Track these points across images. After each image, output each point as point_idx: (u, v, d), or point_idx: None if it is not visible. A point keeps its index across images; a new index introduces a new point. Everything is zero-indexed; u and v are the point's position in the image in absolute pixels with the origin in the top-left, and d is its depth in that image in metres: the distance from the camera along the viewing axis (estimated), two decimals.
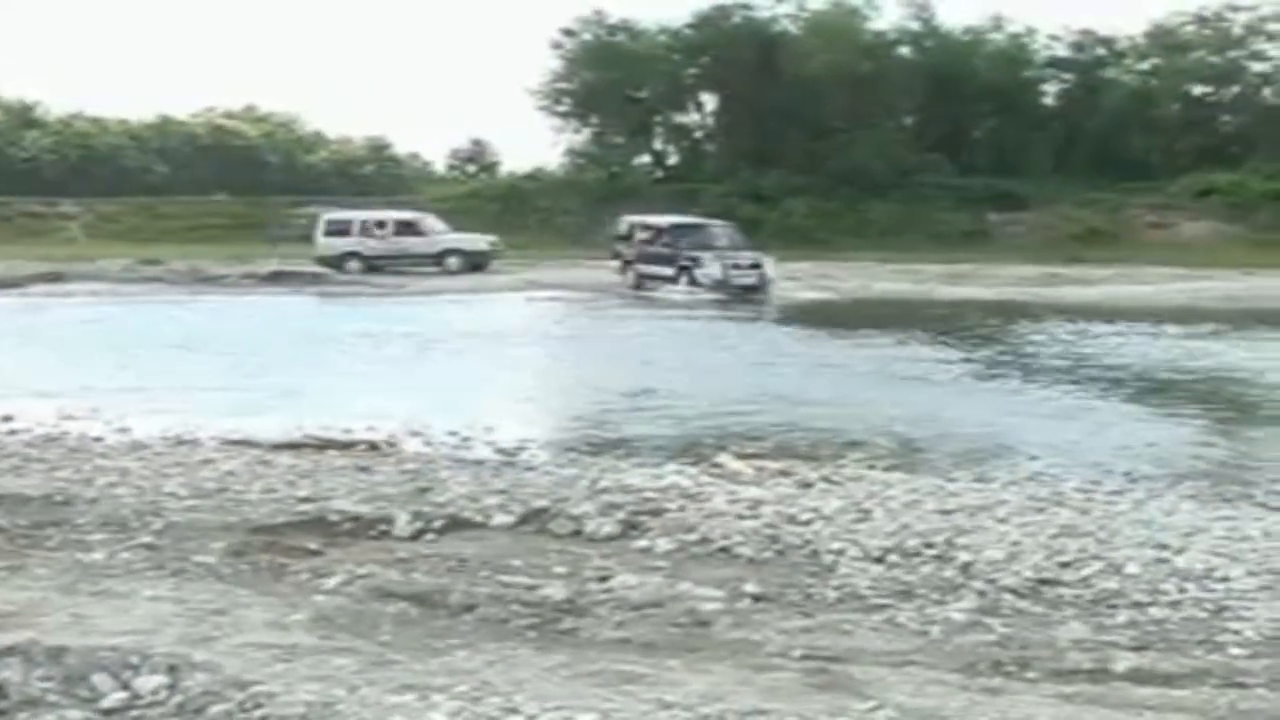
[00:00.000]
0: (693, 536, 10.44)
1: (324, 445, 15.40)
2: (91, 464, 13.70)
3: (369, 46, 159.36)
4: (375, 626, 8.15)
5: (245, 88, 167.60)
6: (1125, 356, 29.30)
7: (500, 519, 11.09)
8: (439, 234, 57.98)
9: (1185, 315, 38.71)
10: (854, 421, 18.58)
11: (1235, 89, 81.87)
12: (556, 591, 8.91)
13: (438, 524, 10.90)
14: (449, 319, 35.87)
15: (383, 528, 10.82)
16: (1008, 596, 9.05)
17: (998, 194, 72.07)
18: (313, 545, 10.22)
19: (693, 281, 46.16)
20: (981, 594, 9.07)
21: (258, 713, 6.54)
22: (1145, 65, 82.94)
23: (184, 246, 61.70)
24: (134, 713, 6.67)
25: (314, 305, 42.59)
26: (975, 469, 14.70)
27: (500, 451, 15.37)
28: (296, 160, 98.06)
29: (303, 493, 12.06)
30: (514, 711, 6.65)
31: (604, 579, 9.26)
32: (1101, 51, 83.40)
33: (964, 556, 9.87)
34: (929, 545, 10.14)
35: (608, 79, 79.81)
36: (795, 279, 47.99)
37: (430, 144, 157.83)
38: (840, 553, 9.96)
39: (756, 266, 46.82)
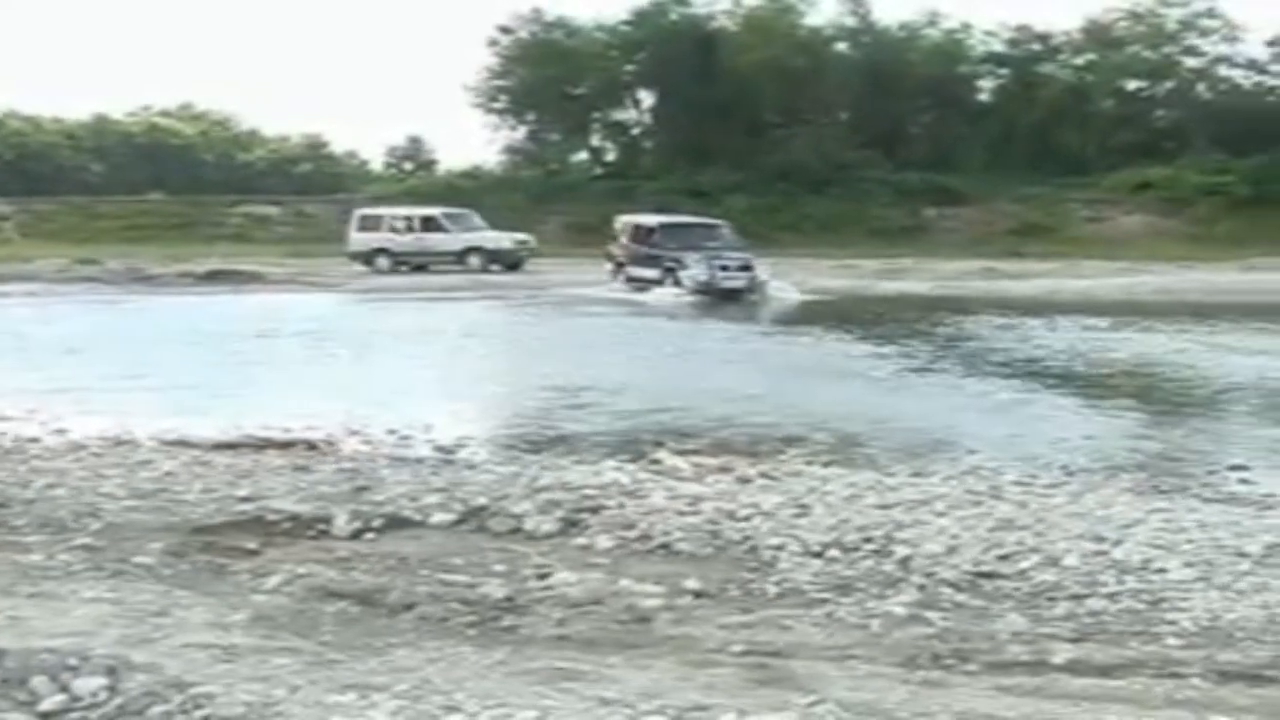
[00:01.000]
0: (632, 533, 10.44)
1: (263, 445, 15.34)
2: (28, 465, 13.60)
3: (305, 44, 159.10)
4: (315, 626, 8.13)
5: (181, 86, 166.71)
6: (1062, 350, 29.47)
7: (440, 517, 11.07)
8: (464, 231, 56.95)
9: (1122, 309, 39.00)
10: (793, 417, 18.63)
11: (1170, 84, 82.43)
12: (496, 589, 8.90)
13: (377, 523, 10.87)
14: (389, 317, 35.79)
15: (322, 527, 10.78)
16: (947, 590, 9.09)
17: (935, 189, 72.41)
18: (252, 545, 10.18)
19: (678, 284, 44.43)
20: (921, 587, 9.10)
21: (198, 713, 6.51)
22: (1081, 61, 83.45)
23: (121, 246, 61.38)
24: (73, 715, 6.62)
25: (253, 304, 42.38)
26: (914, 463, 14.75)
27: (439, 449, 15.34)
28: (233, 159, 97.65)
29: (242, 492, 12.00)
30: (454, 709, 6.64)
31: (544, 576, 9.26)
32: (1037, 47, 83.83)
33: (903, 550, 9.90)
34: (868, 540, 10.17)
35: (545, 76, 79.85)
36: None
37: (368, 142, 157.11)
38: (780, 548, 9.98)
39: (746, 269, 44.98)
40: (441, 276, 51.98)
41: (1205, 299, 43.76)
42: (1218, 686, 7.39)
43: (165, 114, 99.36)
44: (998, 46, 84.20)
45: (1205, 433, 19.76)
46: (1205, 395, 23.72)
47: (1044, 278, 51.24)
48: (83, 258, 55.72)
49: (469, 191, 75.92)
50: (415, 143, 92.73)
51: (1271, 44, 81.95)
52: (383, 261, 55.38)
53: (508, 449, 15.67)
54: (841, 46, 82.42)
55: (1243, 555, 10.06)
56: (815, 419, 18.28)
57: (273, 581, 9.11)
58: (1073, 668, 7.61)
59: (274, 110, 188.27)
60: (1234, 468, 15.68)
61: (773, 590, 9.05)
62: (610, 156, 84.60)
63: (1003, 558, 9.78)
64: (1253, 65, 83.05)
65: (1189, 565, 9.74)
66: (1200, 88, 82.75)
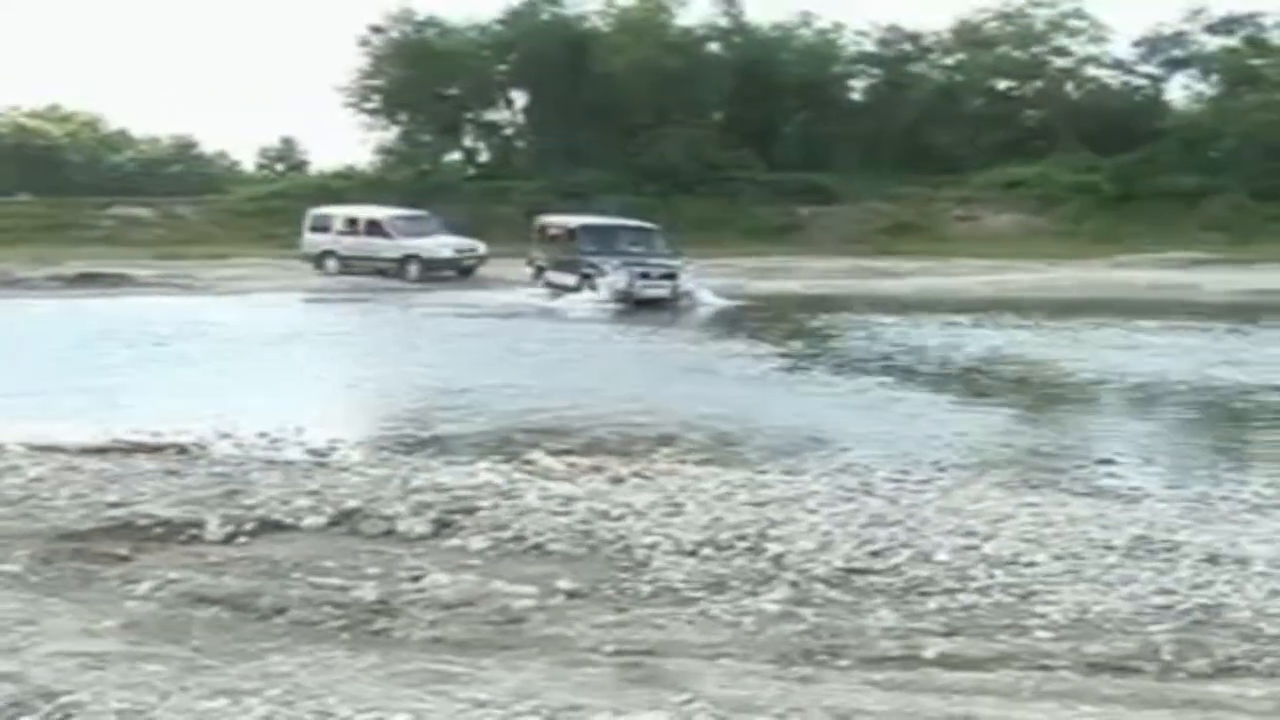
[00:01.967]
0: (506, 534, 10.43)
1: (133, 449, 15.17)
2: None
3: (174, 44, 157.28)
4: (187, 632, 8.06)
5: (48, 87, 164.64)
6: (933, 348, 29.70)
7: (312, 520, 11.00)
8: (406, 236, 52.13)
9: (991, 306, 39.35)
10: (666, 416, 18.67)
11: (1039, 84, 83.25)
12: (369, 592, 8.86)
13: (249, 527, 10.77)
14: (263, 319, 35.48)
15: (193, 531, 10.67)
16: (819, 586, 9.13)
17: (807, 188, 72.72)
18: (122, 551, 10.06)
19: (594, 291, 41.86)
20: (794, 584, 9.14)
21: None
22: (951, 61, 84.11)
23: None
24: None
25: (122, 306, 41.86)
26: (787, 461, 14.84)
27: (311, 452, 15.24)
28: (102, 160, 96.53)
29: (111, 498, 11.84)
30: (327, 714, 6.62)
31: (417, 578, 9.22)
32: (908, 47, 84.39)
33: (776, 548, 9.94)
34: (741, 537, 10.21)
35: (416, 76, 79.42)
36: None
37: (239, 142, 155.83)
38: (653, 547, 10.00)
39: (670, 277, 42.36)
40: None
41: (1074, 296, 44.32)
42: (1086, 678, 7.49)
43: (32, 115, 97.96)
44: (869, 47, 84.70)
45: (1074, 428, 20.03)
46: (1074, 391, 24.02)
47: (916, 276, 51.64)
48: None
49: (340, 192, 75.49)
50: (287, 143, 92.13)
51: (1137, 44, 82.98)
52: (331, 264, 52.64)
53: (381, 451, 15.59)
54: (714, 47, 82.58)
55: (1110, 548, 10.20)
56: (688, 418, 18.33)
57: (143, 587, 9.02)
58: (944, 661, 7.68)
59: (143, 111, 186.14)
60: (1102, 462, 15.89)
61: (646, 589, 9.06)
62: (483, 157, 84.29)
63: (875, 554, 9.84)
64: (1119, 65, 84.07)
65: (1058, 559, 9.86)
66: (1068, 87, 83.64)
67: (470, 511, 11.10)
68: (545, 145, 78.84)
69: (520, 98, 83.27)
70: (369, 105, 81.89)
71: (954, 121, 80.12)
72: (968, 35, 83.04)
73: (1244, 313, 39.29)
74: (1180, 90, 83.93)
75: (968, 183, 74.35)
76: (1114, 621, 8.46)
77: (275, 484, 12.46)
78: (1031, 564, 9.69)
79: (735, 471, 13.52)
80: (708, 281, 43.55)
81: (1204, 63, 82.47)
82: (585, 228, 45.42)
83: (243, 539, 10.54)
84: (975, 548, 10.07)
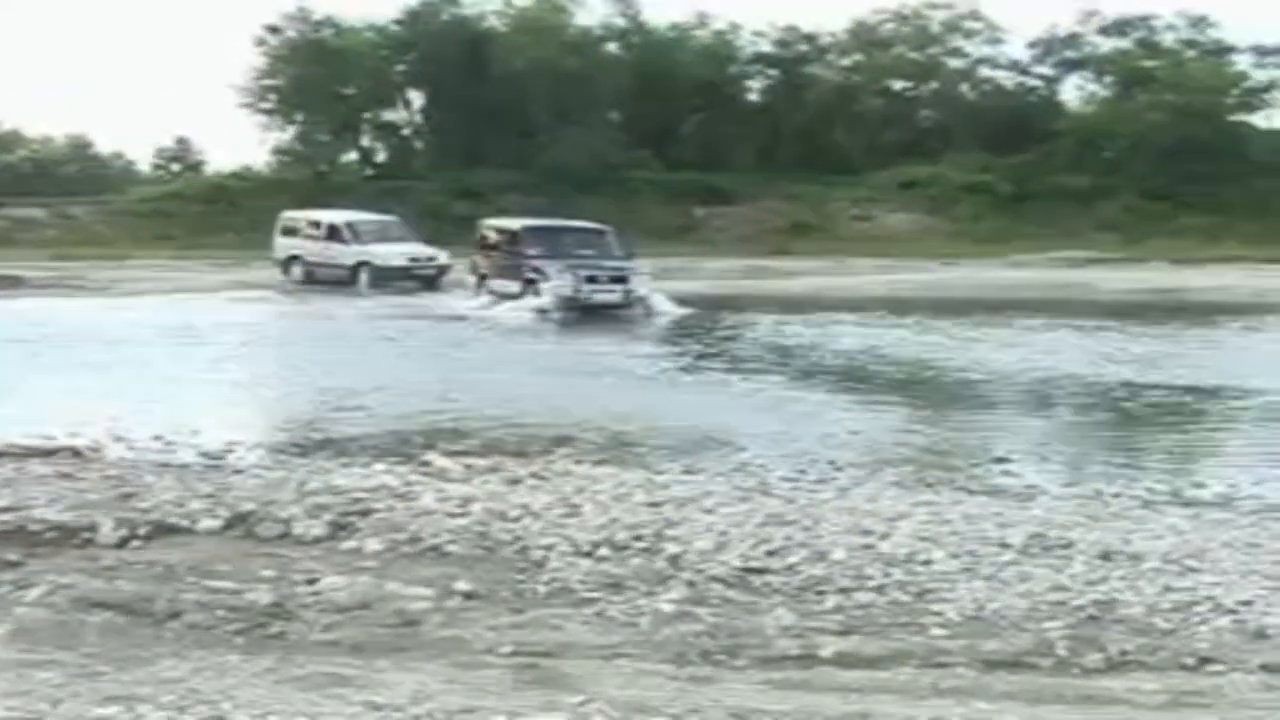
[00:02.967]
0: (402, 536, 10.38)
1: (25, 453, 14.99)
2: None
3: (69, 42, 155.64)
4: (79, 637, 7.97)
5: None
6: (829, 347, 29.84)
7: (207, 524, 10.90)
8: (362, 243, 48.62)
9: (886, 306, 39.57)
10: (563, 417, 18.64)
11: (934, 84, 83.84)
12: (263, 596, 8.79)
13: (143, 530, 10.67)
14: (160, 321, 35.14)
15: (86, 536, 10.55)
16: (716, 586, 9.15)
17: (705, 189, 72.90)
18: (13, 556, 9.92)
19: (538, 297, 38.79)
20: (690, 584, 9.15)
21: None
22: (848, 61, 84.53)
23: None
24: None
25: (15, 309, 41.35)
26: (683, 461, 14.85)
27: (206, 455, 15.11)
28: None
29: (3, 502, 11.68)
30: (222, 719, 6.56)
31: (312, 581, 9.16)
32: (805, 48, 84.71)
33: (673, 548, 9.95)
34: (638, 538, 10.21)
35: (313, 76, 78.97)
36: None
37: (134, 142, 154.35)
38: (550, 548, 9.98)
39: (620, 280, 39.15)
40: (208, 275, 50.58)
41: (969, 295, 44.59)
42: (982, 674, 7.54)
43: None
44: (766, 47, 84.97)
45: (970, 426, 20.15)
46: (969, 389, 24.18)
47: (812, 276, 51.83)
48: None
49: (237, 193, 74.99)
50: (183, 143, 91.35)
51: (1032, 45, 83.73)
52: (296, 271, 49.60)
53: (276, 453, 15.50)
54: (612, 47, 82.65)
55: (1005, 546, 10.27)
56: (586, 419, 18.32)
57: (35, 593, 8.90)
58: (841, 660, 7.71)
59: (36, 110, 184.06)
60: (997, 460, 16.00)
61: (543, 590, 9.05)
62: (381, 157, 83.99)
63: (771, 553, 9.87)
64: (1014, 66, 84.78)
65: (954, 557, 9.92)
66: (964, 88, 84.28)
67: (366, 514, 11.05)
68: (443, 145, 78.70)
69: (418, 98, 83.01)
70: (266, 105, 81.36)
71: (850, 122, 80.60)
72: (864, 36, 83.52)
73: (1135, 312, 39.74)
74: (1074, 91, 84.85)
75: (864, 183, 74.78)
76: (1009, 618, 8.52)
77: (170, 487, 12.34)
78: (928, 562, 9.74)
79: (632, 472, 13.53)
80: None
81: (1097, 64, 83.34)
82: (530, 230, 42.14)
83: (137, 543, 10.43)
84: (871, 546, 10.11)
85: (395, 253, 48.29)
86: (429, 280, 47.62)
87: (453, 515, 10.99)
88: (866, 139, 79.92)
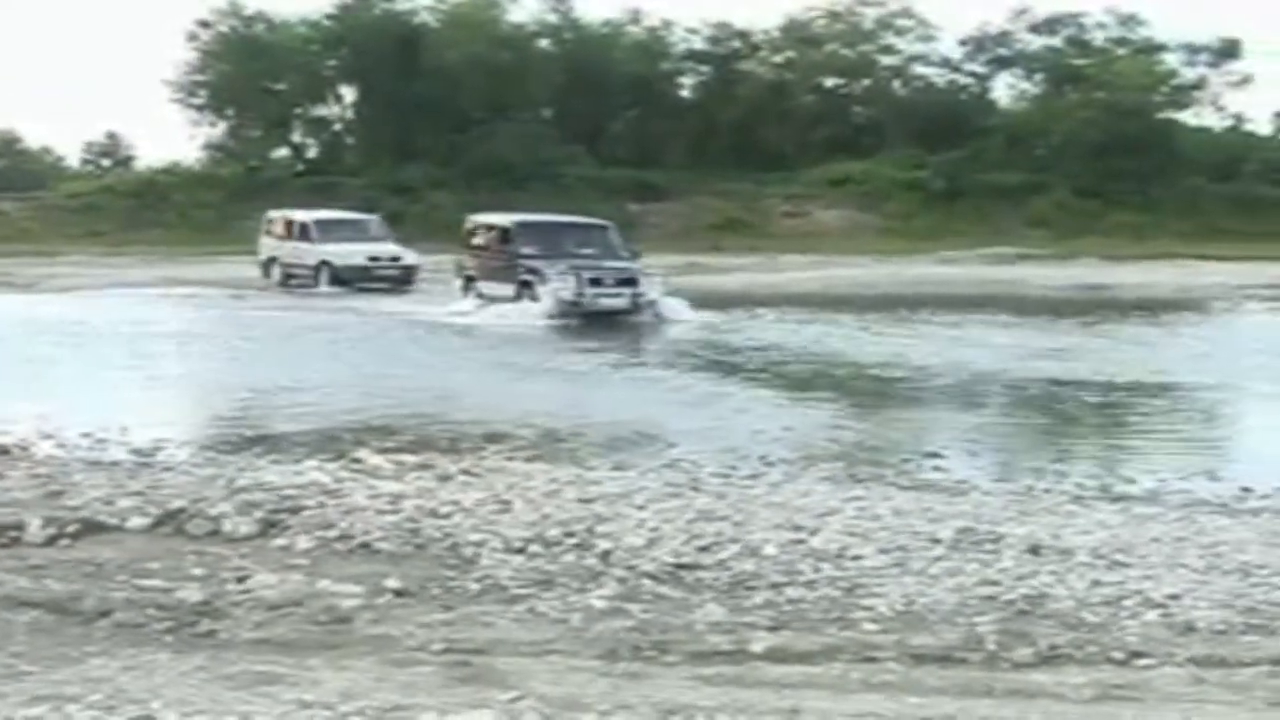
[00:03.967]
0: (332, 533, 10.34)
1: None
2: None
3: None
4: (6, 636, 7.90)
5: None
6: (761, 343, 29.89)
7: (136, 521, 10.82)
8: (327, 243, 46.47)
9: (818, 302, 39.68)
10: (495, 413, 18.62)
11: (867, 81, 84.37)
12: (193, 593, 8.74)
13: (72, 528, 10.57)
14: (90, 318, 34.90)
15: (14, 534, 10.44)
16: (647, 582, 9.15)
17: (637, 185, 73.04)
18: None
19: (535, 302, 35.01)
20: (622, 580, 9.15)
21: None
22: (780, 58, 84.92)
23: None
24: None
25: None
26: (614, 457, 14.85)
27: (136, 452, 15.00)
28: None
29: None
30: (151, 718, 6.53)
31: (242, 579, 9.12)
32: (737, 44, 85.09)
33: (604, 544, 9.95)
34: (569, 534, 10.20)
35: (245, 71, 78.87)
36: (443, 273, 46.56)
37: (64, 138, 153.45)
38: (481, 545, 9.96)
39: (630, 283, 35.31)
40: (131, 270, 50.13)
41: (900, 291, 44.78)
42: (912, 669, 7.56)
43: None
44: (699, 44, 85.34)
45: (900, 421, 20.25)
46: (900, 385, 24.25)
47: (744, 272, 51.99)
48: None
49: (167, 188, 74.74)
50: (112, 138, 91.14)
51: (964, 43, 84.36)
52: (275, 272, 47.78)
53: (206, 450, 15.40)
54: (545, 43, 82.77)
55: (936, 541, 10.30)
56: (517, 415, 18.29)
57: None
58: (772, 655, 7.71)
59: None
60: (928, 455, 16.06)
61: (474, 587, 9.02)
62: (312, 153, 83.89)
63: (702, 549, 9.87)
64: (946, 63, 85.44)
65: (884, 552, 9.94)
66: (896, 85, 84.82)
67: (297, 511, 10.99)
68: (375, 141, 78.70)
69: (350, 93, 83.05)
70: (197, 100, 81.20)
71: (783, 119, 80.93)
72: (797, 33, 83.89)
73: (1065, 308, 40.00)
74: (1005, 89, 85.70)
75: (796, 179, 75.12)
76: (940, 613, 8.56)
77: (99, 485, 12.24)
78: (858, 557, 9.76)
79: (563, 468, 13.51)
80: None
81: (1028, 62, 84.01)
82: (523, 226, 38.28)
83: (65, 541, 10.35)
84: (802, 542, 10.13)
85: (355, 252, 46.22)
86: (395, 281, 45.76)
87: (383, 512, 10.95)
88: (799, 136, 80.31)
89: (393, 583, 9.01)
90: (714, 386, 22.97)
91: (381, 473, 12.99)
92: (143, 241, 60.69)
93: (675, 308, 35.32)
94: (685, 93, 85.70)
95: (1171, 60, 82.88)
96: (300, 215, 49.11)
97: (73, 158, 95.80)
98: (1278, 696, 7.23)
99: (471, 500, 11.33)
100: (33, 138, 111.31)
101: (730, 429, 17.87)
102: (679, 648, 7.80)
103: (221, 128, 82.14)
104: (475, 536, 10.17)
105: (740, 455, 15.38)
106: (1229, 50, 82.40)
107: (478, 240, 39.07)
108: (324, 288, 44.87)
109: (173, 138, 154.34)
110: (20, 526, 10.58)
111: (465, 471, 12.94)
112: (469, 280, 38.64)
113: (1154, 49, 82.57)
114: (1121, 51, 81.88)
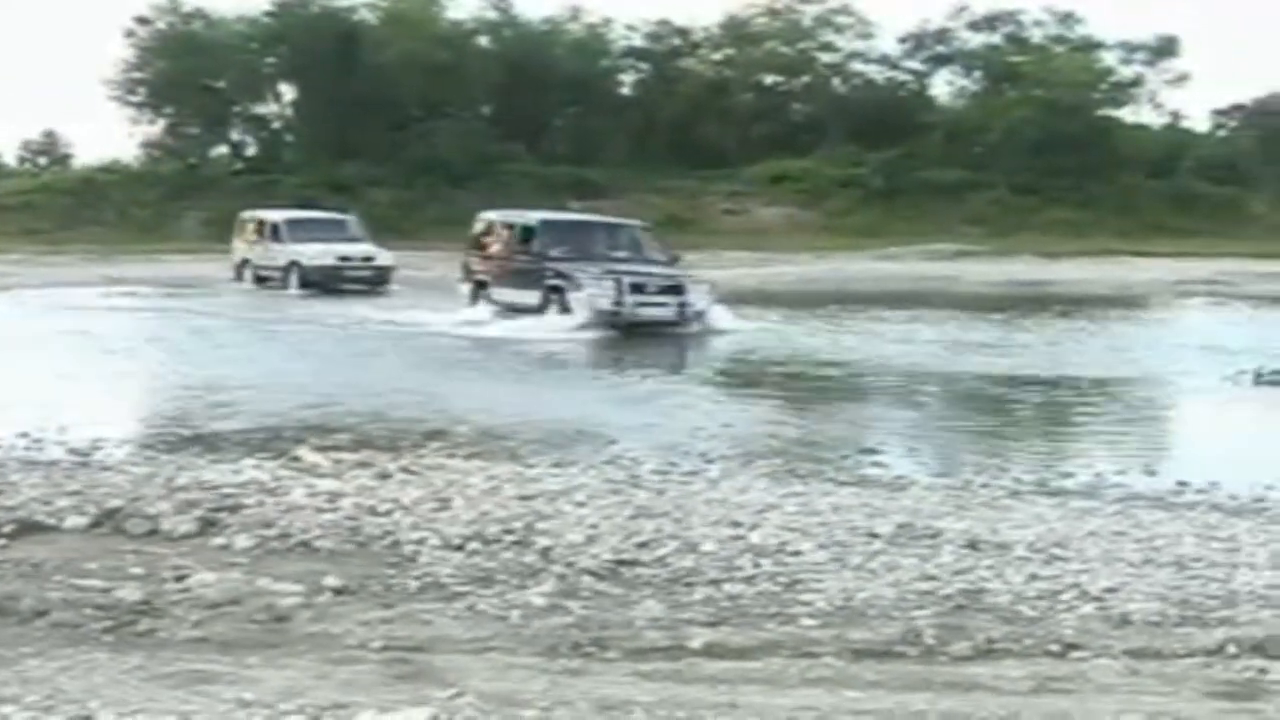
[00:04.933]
0: (271, 531, 10.30)
1: None
2: None
3: None
4: None
5: None
6: (700, 340, 29.92)
7: (74, 521, 10.76)
8: (297, 243, 44.69)
9: (757, 298, 39.71)
10: (435, 411, 18.58)
11: (806, 79, 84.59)
12: (132, 593, 8.70)
13: (8, 529, 10.49)
14: (30, 316, 34.68)
15: None
16: (587, 578, 9.16)
17: (578, 182, 73.08)
18: None
19: (565, 312, 31.00)
20: (561, 577, 9.15)
21: None
22: (720, 56, 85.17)
23: None
24: None
25: None
26: (554, 454, 14.83)
27: (74, 451, 14.90)
28: None
29: None
30: (89, 719, 6.50)
31: (181, 578, 9.08)
32: (677, 42, 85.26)
33: (544, 541, 9.95)
34: (509, 531, 10.20)
35: (183, 68, 78.50)
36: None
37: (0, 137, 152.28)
38: (421, 542, 9.95)
39: (675, 290, 31.48)
40: (71, 268, 49.68)
41: (838, 288, 44.95)
42: (850, 664, 7.59)
43: None
44: (638, 41, 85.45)
45: (839, 418, 20.30)
46: (839, 381, 24.34)
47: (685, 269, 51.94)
48: None
49: (106, 186, 74.36)
50: (50, 137, 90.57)
51: (903, 40, 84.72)
52: (248, 276, 46.21)
53: (145, 449, 15.32)
54: (484, 40, 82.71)
55: (874, 536, 10.35)
56: (457, 413, 18.26)
57: None
58: (710, 651, 7.73)
59: None
60: (866, 451, 16.12)
61: (413, 585, 9.01)
62: (251, 151, 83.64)
63: (642, 545, 9.89)
64: (885, 61, 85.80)
65: (823, 547, 9.98)
66: (835, 82, 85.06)
67: (235, 509, 10.96)
68: (314, 138, 78.47)
69: (289, 91, 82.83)
70: (135, 98, 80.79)
71: (723, 116, 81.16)
72: (736, 30, 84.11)
73: (1001, 303, 40.23)
74: (944, 86, 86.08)
75: (736, 176, 75.31)
76: (878, 608, 8.59)
77: (36, 484, 12.16)
78: (797, 553, 9.79)
79: (503, 465, 13.50)
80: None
81: (967, 59, 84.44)
82: (548, 224, 34.43)
83: (1, 541, 10.29)
84: (741, 538, 10.16)
85: (326, 252, 44.30)
86: (368, 283, 43.97)
87: (322, 510, 10.92)
88: (739, 133, 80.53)
89: (332, 581, 8.99)
90: (654, 383, 23.05)
91: (320, 471, 12.96)
92: (81, 240, 60.32)
93: (724, 318, 32.04)
94: (625, 90, 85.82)
95: (1109, 58, 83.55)
96: (271, 215, 47.56)
97: (10, 156, 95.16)
98: (1211, 687, 7.29)
99: (411, 498, 11.31)
100: None
101: (670, 426, 17.89)
102: (618, 644, 7.81)
103: (160, 125, 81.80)
104: (415, 534, 10.17)
105: (680, 452, 15.39)
106: (1166, 48, 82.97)
107: (491, 241, 35.13)
108: (294, 290, 43.22)
109: (111, 136, 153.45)
110: None
111: (405, 469, 12.93)
112: (479, 286, 34.80)
113: (1092, 47, 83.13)
114: (1059, 49, 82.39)
